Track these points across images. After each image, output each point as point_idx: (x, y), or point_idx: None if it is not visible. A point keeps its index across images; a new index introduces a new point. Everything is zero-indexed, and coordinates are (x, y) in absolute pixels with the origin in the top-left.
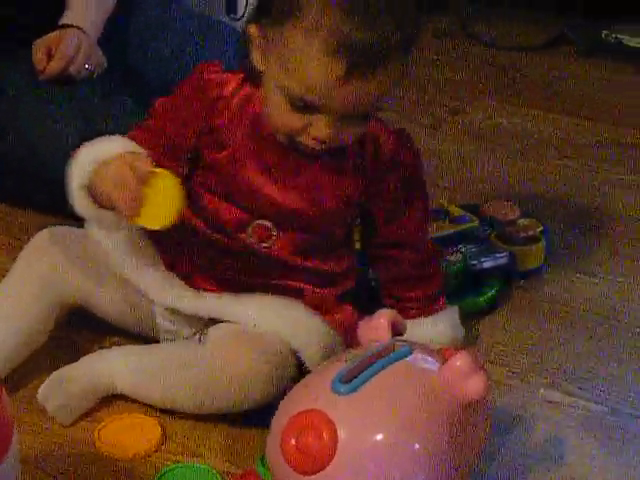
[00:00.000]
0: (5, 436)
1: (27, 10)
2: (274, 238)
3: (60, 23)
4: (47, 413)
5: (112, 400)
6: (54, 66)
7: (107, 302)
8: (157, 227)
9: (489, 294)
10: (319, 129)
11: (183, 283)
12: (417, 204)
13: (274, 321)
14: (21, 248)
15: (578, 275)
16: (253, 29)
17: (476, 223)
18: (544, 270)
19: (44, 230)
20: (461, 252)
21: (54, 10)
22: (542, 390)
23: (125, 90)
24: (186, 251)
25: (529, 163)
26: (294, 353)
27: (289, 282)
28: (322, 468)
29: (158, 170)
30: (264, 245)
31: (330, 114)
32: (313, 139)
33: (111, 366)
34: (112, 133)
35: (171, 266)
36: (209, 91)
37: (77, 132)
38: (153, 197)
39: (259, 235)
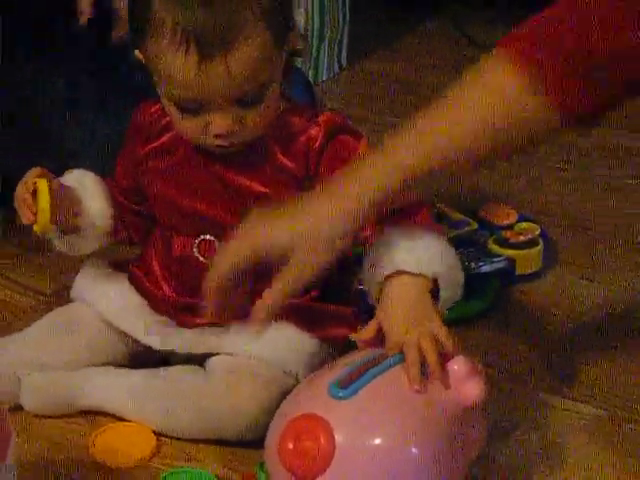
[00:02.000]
0: (3, 440)
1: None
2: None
3: None
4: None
5: None
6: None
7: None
8: (39, 231)
9: (487, 298)
10: (216, 125)
11: (171, 323)
12: None
13: (267, 350)
14: None
15: (577, 279)
16: (137, 53)
17: (474, 227)
18: (542, 274)
19: (45, 317)
20: (460, 256)
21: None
22: (541, 394)
23: None
24: (171, 286)
25: (527, 166)
26: (292, 377)
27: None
28: (320, 472)
29: (38, 180)
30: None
31: (217, 106)
32: (216, 137)
33: (106, 386)
34: None
35: (158, 307)
36: (139, 132)
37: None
38: (37, 205)
39: (206, 251)
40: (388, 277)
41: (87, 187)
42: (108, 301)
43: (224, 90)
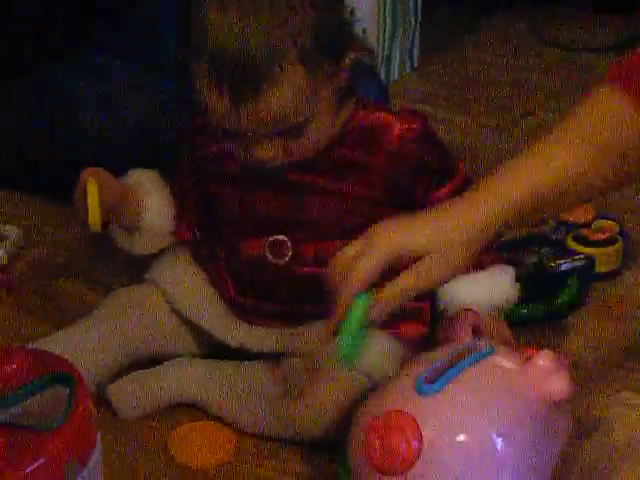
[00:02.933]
0: (88, 444)
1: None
2: (290, 252)
3: None
4: (116, 412)
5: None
6: None
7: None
8: (93, 230)
9: (567, 297)
10: (258, 154)
11: (244, 321)
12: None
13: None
14: None
15: None
16: (195, 68)
17: (552, 225)
18: (621, 272)
19: (114, 292)
20: (537, 254)
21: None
22: (623, 393)
23: None
24: (238, 289)
25: None
26: (367, 376)
27: None
28: (408, 468)
29: (90, 179)
30: (284, 260)
31: (257, 138)
32: (261, 163)
33: (189, 377)
34: None
35: (231, 305)
36: (203, 134)
37: None
38: (89, 204)
39: (277, 251)
40: None
41: (148, 187)
42: (183, 292)
43: (256, 130)
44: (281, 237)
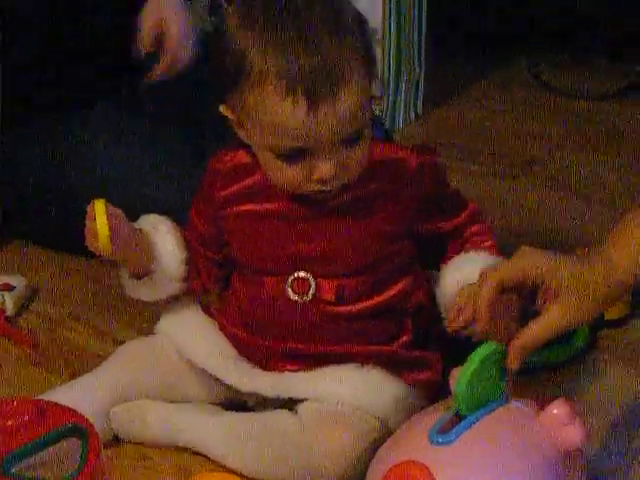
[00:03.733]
0: None
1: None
2: (312, 289)
3: None
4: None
5: None
6: (162, 68)
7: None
8: (104, 254)
9: (576, 344)
10: (320, 170)
11: (256, 367)
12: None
13: (355, 396)
14: None
15: None
16: (224, 109)
17: None
18: (631, 319)
19: (126, 343)
20: None
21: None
22: (637, 440)
23: None
24: (253, 331)
25: (611, 211)
26: (381, 422)
27: (356, 346)
28: None
29: (95, 202)
30: (305, 298)
31: (322, 151)
32: (320, 183)
33: (198, 424)
34: None
35: (243, 351)
36: (218, 178)
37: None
38: (97, 223)
39: (299, 288)
40: None
41: (161, 232)
42: (193, 341)
43: (332, 134)
44: (303, 274)
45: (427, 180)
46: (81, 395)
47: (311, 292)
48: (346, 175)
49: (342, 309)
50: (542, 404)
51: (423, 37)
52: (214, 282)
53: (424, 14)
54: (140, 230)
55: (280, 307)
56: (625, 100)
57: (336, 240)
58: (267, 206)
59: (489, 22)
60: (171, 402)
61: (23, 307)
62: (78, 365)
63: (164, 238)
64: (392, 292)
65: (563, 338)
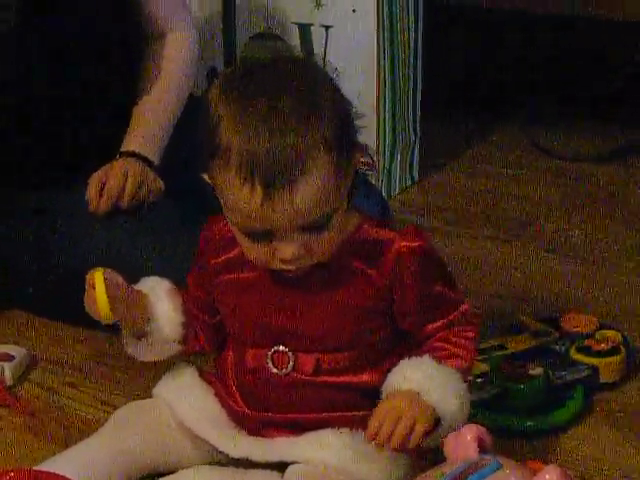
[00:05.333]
0: None
1: (84, 139)
2: (291, 362)
3: (120, 150)
4: None
5: None
6: (102, 205)
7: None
8: (104, 321)
9: (572, 408)
10: (282, 252)
11: (247, 433)
12: (439, 296)
13: (341, 460)
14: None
15: None
16: (206, 177)
17: (556, 336)
18: (626, 382)
19: (121, 407)
20: (542, 366)
21: (111, 137)
22: None
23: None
24: (244, 400)
25: (606, 273)
26: None
27: (340, 413)
28: None
29: (95, 273)
30: (285, 371)
31: (283, 235)
32: (282, 262)
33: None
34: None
35: (237, 417)
36: (209, 246)
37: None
38: (96, 292)
39: (279, 362)
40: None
41: (159, 294)
42: (188, 406)
43: (288, 222)
44: (282, 348)
45: (404, 271)
46: (78, 464)
47: (290, 365)
48: (311, 258)
49: (320, 380)
50: (535, 469)
51: (418, 105)
52: (211, 346)
53: (419, 82)
54: (139, 292)
55: (262, 378)
56: (620, 162)
57: (311, 316)
58: (247, 277)
59: (484, 86)
60: (166, 465)
61: (22, 376)
62: (76, 434)
63: (162, 301)
64: (373, 374)
65: (559, 402)
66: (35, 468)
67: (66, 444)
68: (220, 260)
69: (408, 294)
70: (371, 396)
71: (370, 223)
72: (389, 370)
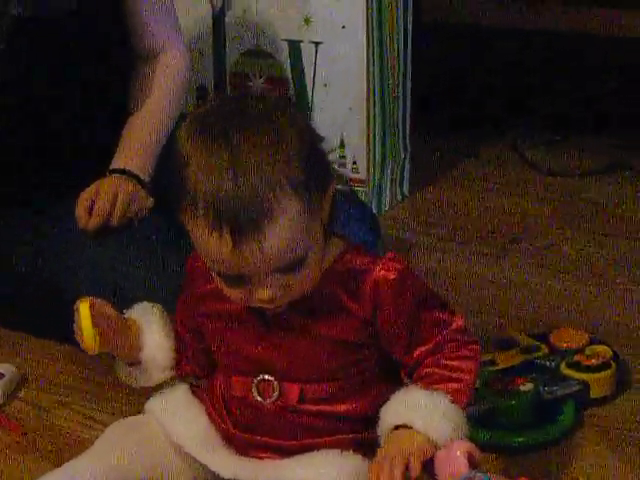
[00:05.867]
0: None
1: (83, 140)
2: (276, 392)
3: (110, 168)
4: None
5: None
6: (92, 223)
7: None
8: (89, 352)
9: (562, 423)
10: (259, 294)
11: (234, 452)
12: (426, 320)
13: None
14: None
15: None
16: (181, 217)
17: (546, 351)
18: (617, 396)
19: (112, 425)
20: (533, 381)
21: (111, 138)
22: None
23: None
24: (232, 422)
25: (596, 288)
26: None
27: (327, 438)
28: None
29: (81, 304)
30: (270, 400)
31: (259, 279)
32: (261, 303)
33: None
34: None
35: (226, 438)
36: (196, 274)
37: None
38: (82, 325)
39: (264, 391)
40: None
41: (150, 320)
42: (179, 424)
43: (260, 267)
44: (268, 377)
45: (383, 301)
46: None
47: (275, 394)
48: (289, 296)
49: (305, 409)
50: None
51: (408, 121)
52: (201, 370)
53: (409, 97)
54: (129, 320)
55: (248, 405)
56: (609, 177)
57: (294, 348)
58: (230, 308)
59: (473, 103)
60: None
61: (12, 394)
62: (67, 452)
63: (152, 328)
64: (359, 403)
65: (549, 418)
66: None
67: (57, 462)
68: (206, 289)
69: (390, 323)
70: (358, 423)
71: (352, 251)
72: (377, 397)
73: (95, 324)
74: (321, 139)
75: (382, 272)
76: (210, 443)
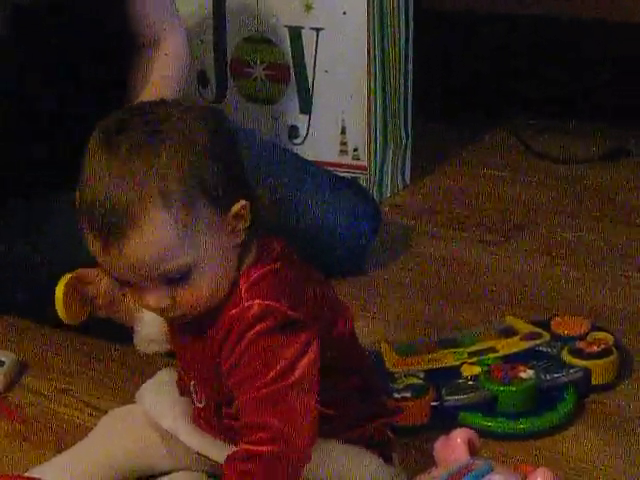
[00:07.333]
0: None
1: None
2: (196, 395)
3: None
4: None
5: None
6: None
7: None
8: (65, 322)
9: (564, 410)
10: (146, 300)
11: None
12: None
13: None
14: None
15: None
16: None
17: (547, 338)
18: (619, 383)
19: (108, 413)
20: (533, 369)
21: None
22: None
23: None
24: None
25: (598, 275)
26: None
27: None
28: None
29: (68, 274)
30: (201, 403)
31: (140, 284)
32: (152, 311)
33: None
34: None
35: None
36: None
37: None
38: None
39: (196, 395)
40: None
41: None
42: (164, 410)
43: (127, 274)
44: (193, 382)
45: (239, 352)
46: (67, 469)
47: (202, 401)
48: (182, 309)
49: (225, 422)
50: (526, 472)
51: (410, 107)
52: None
53: (410, 84)
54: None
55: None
56: (610, 164)
57: (195, 367)
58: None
59: (475, 89)
60: (150, 470)
61: (12, 382)
62: (68, 439)
63: None
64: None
65: (550, 405)
66: (25, 474)
67: (58, 450)
68: None
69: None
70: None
71: (249, 282)
72: None
73: (77, 294)
74: (239, 156)
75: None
76: (192, 425)
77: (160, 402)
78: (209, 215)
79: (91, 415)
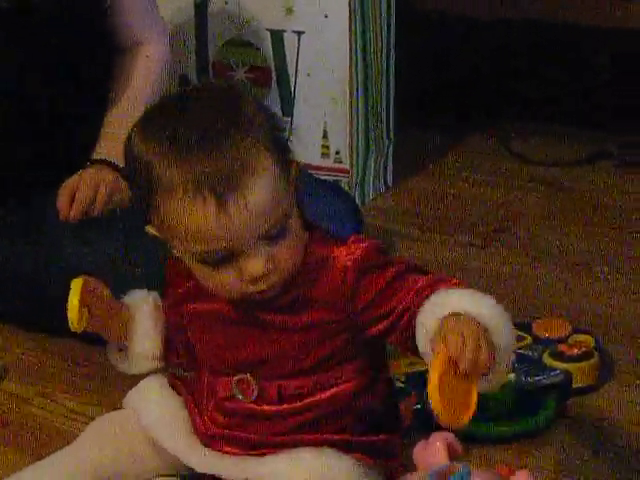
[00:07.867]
0: None
1: (58, 147)
2: (255, 391)
3: (92, 158)
4: None
5: None
6: (73, 214)
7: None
8: (72, 327)
9: (545, 413)
10: (250, 270)
11: (210, 449)
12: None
13: (310, 476)
14: None
15: (634, 391)
16: (150, 228)
17: (529, 341)
18: (600, 386)
19: (96, 419)
20: (514, 371)
21: (87, 145)
22: None
23: None
24: (211, 419)
25: (579, 278)
26: None
27: (305, 436)
28: None
29: (74, 279)
30: (250, 399)
31: (246, 250)
32: (252, 283)
33: None
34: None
35: (203, 434)
36: (176, 273)
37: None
38: (69, 300)
39: (243, 389)
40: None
41: (143, 308)
42: (155, 416)
43: (248, 229)
44: (245, 376)
45: (350, 281)
46: (50, 476)
47: (255, 393)
48: (278, 272)
49: (286, 407)
50: (505, 475)
51: (392, 110)
52: (188, 363)
53: (392, 87)
54: (122, 305)
55: (231, 403)
56: (593, 167)
57: (272, 345)
58: (208, 307)
59: (458, 93)
60: (136, 477)
61: None
62: (48, 444)
63: (143, 316)
64: (334, 391)
65: (530, 409)
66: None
67: (38, 455)
68: (185, 288)
69: (369, 304)
70: (344, 418)
71: (316, 243)
72: (359, 378)
73: (85, 302)
74: (279, 120)
75: (349, 256)
76: (186, 437)
77: (159, 419)
78: (287, 172)
79: (72, 420)
